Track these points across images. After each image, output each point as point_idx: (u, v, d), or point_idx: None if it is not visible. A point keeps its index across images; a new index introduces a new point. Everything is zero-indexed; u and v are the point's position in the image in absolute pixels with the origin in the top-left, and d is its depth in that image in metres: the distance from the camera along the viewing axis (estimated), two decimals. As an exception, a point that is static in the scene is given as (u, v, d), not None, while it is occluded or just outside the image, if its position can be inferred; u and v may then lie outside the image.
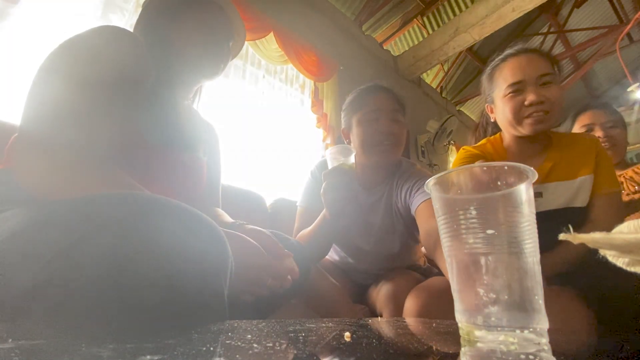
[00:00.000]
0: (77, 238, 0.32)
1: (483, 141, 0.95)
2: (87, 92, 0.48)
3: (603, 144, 1.06)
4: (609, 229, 0.27)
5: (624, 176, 1.01)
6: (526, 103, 0.81)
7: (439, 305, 0.73)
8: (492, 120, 0.94)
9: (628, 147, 1.14)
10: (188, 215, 0.37)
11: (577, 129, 1.13)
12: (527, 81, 0.82)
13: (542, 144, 0.89)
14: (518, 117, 0.83)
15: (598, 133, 1.08)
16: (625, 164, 1.08)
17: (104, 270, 0.31)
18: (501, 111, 0.86)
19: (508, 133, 0.89)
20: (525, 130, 0.83)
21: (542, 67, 0.83)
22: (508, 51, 0.88)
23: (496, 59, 0.90)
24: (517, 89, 0.83)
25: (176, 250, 0.34)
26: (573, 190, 0.82)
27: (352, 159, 0.78)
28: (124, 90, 0.52)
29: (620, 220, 0.43)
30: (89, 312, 0.30)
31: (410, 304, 0.76)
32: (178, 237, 0.35)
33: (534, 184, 0.29)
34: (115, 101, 0.51)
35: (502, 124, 0.89)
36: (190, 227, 0.36)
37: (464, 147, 0.96)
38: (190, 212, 0.37)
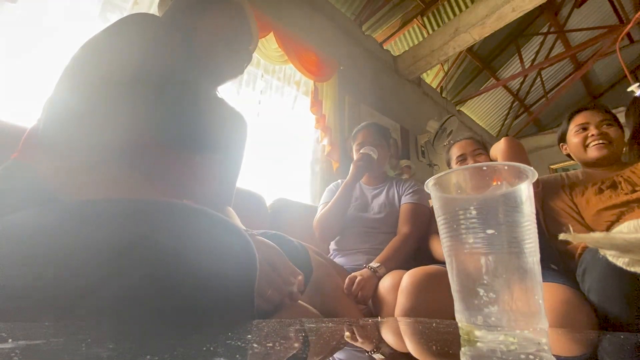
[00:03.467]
0: (130, 240, 0.34)
1: None
2: (106, 93, 0.49)
3: (598, 142, 1.07)
4: None
5: (621, 176, 1.01)
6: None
7: (433, 285, 0.87)
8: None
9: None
10: (222, 223, 0.40)
11: (572, 128, 1.15)
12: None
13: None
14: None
15: (592, 131, 1.09)
16: (622, 164, 1.08)
17: (154, 272, 0.33)
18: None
19: None
20: None
21: None
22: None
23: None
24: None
25: (215, 255, 0.37)
26: None
27: (376, 153, 1.32)
28: (142, 88, 0.53)
29: None
30: (134, 311, 0.32)
31: (406, 281, 0.90)
32: (216, 244, 0.38)
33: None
34: (132, 101, 0.51)
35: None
36: (226, 234, 0.40)
37: None
38: (223, 221, 0.41)
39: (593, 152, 1.08)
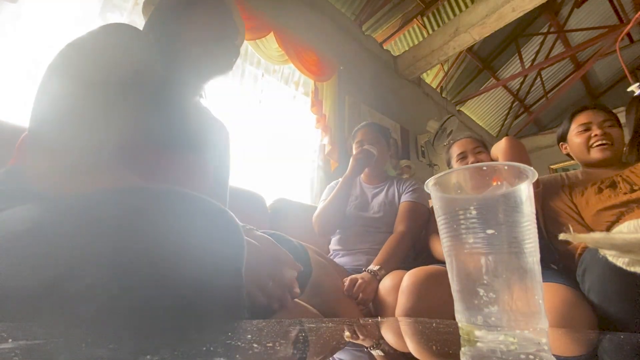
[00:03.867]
0: (95, 233, 0.33)
1: None
2: (93, 92, 0.49)
3: (601, 143, 1.07)
4: None
5: (620, 175, 1.01)
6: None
7: (433, 284, 0.88)
8: None
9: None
10: (207, 206, 0.39)
11: (574, 128, 1.15)
12: None
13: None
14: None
15: (595, 131, 1.09)
16: (622, 164, 1.08)
17: (123, 265, 0.31)
18: None
19: None
20: None
21: None
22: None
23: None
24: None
25: (197, 244, 0.35)
26: None
27: (376, 151, 1.34)
28: (130, 90, 0.53)
29: None
30: (107, 308, 0.31)
31: (407, 281, 0.91)
32: (198, 230, 0.36)
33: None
34: (121, 101, 0.51)
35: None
36: (208, 217, 0.38)
37: None
38: (208, 204, 0.39)
39: (596, 154, 1.07)
